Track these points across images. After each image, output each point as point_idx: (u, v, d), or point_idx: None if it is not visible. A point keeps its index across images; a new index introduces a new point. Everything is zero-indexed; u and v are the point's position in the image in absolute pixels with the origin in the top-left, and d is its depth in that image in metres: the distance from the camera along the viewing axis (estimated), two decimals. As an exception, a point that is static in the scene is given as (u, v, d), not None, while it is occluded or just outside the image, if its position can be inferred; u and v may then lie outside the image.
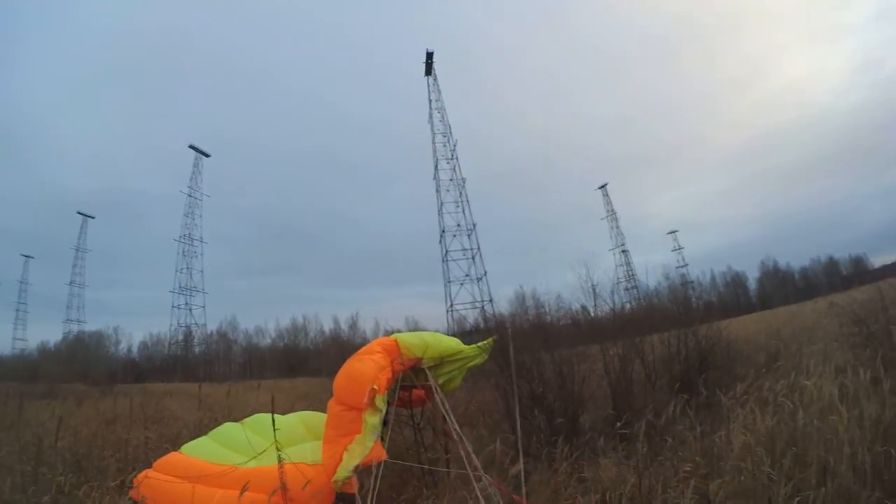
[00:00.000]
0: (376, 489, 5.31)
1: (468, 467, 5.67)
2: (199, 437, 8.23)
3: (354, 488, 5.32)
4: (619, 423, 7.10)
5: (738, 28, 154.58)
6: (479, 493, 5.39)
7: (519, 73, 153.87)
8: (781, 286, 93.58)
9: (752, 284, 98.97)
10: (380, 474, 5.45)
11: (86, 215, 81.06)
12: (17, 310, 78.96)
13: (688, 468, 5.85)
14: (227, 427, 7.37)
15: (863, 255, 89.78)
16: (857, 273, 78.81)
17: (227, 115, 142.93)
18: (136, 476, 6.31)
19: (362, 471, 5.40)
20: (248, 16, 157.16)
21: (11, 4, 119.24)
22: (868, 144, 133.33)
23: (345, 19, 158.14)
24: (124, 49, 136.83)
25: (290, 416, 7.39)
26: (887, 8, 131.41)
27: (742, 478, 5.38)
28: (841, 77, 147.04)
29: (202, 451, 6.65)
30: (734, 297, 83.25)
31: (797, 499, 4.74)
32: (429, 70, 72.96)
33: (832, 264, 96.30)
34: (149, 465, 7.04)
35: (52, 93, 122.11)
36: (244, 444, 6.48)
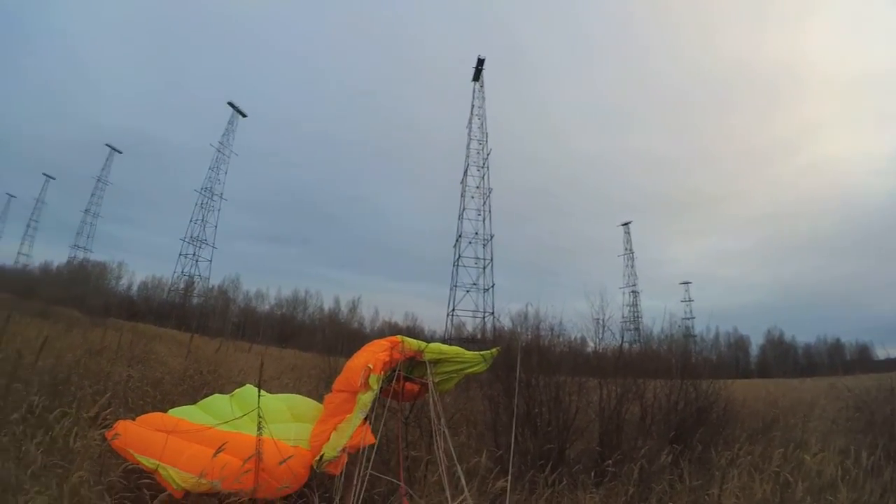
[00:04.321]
0: (367, 474, 5.16)
1: (445, 475, 5.51)
2: (181, 386, 8.11)
3: (339, 470, 5.20)
4: (609, 462, 6.96)
5: (799, 85, 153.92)
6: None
7: (570, 94, 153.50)
8: (783, 358, 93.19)
9: (754, 350, 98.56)
10: (372, 457, 5.30)
11: (114, 149, 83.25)
12: (28, 226, 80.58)
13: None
14: (216, 398, 7.25)
15: (869, 344, 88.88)
16: (860, 360, 78.14)
17: (272, 84, 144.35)
18: (115, 420, 6.13)
19: (351, 454, 5.27)
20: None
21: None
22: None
23: (404, 12, 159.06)
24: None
25: (277, 397, 7.25)
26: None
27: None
28: (882, 162, 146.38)
29: (188, 416, 6.53)
30: (734, 360, 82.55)
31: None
32: (477, 76, 73.07)
33: (837, 347, 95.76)
34: (126, 404, 6.90)
35: (95, 31, 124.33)
36: (229, 416, 6.36)
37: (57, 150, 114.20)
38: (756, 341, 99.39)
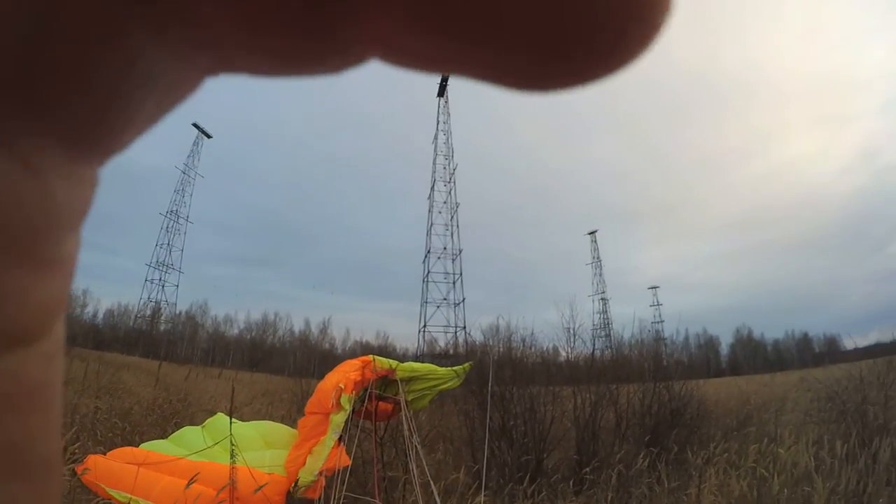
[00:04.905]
0: (342, 496, 5.09)
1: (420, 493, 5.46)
2: (151, 416, 7.94)
3: (318, 494, 5.11)
4: (586, 469, 6.97)
5: (751, 97, 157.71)
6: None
7: (533, 108, 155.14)
8: (753, 355, 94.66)
9: (724, 349, 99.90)
10: (346, 479, 5.23)
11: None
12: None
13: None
14: (187, 430, 7.12)
15: (836, 336, 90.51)
16: (829, 352, 79.43)
17: (238, 101, 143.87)
18: (84, 454, 5.99)
19: (328, 476, 5.20)
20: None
21: None
22: (858, 229, 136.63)
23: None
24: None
25: (249, 424, 7.15)
26: (892, 100, 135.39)
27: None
28: (842, 161, 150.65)
29: (159, 450, 6.40)
30: (705, 360, 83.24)
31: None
32: (441, 92, 71.22)
33: (806, 340, 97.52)
34: (95, 437, 6.74)
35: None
36: (202, 447, 6.25)
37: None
38: (726, 341, 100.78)
